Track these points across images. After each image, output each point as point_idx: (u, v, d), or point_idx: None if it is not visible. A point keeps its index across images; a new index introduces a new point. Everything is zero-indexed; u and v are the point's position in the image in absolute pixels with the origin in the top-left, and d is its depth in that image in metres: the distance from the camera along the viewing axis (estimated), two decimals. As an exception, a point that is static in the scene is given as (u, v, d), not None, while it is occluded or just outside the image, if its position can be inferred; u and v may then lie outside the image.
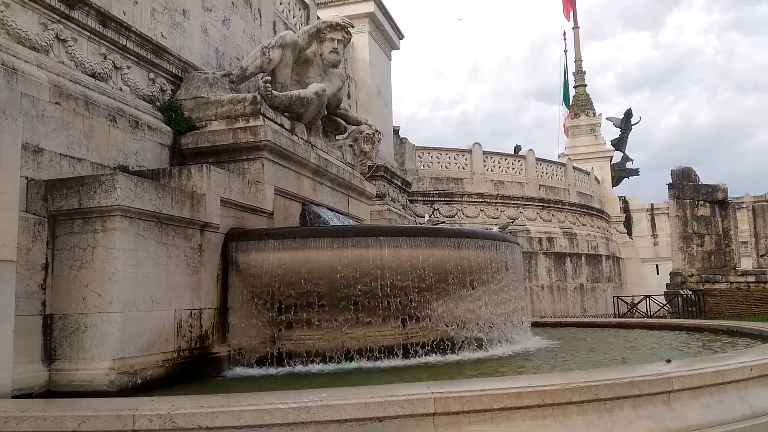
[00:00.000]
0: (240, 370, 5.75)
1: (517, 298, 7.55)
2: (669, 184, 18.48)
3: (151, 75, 7.06)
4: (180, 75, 7.44)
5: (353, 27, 8.97)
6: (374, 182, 14.25)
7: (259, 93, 7.03)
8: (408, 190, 17.08)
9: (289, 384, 5.09)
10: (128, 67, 6.67)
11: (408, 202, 16.90)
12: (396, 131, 18.44)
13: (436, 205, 19.33)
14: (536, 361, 5.89)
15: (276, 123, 7.26)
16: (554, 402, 3.09)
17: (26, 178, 4.70)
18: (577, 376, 3.37)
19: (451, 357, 6.36)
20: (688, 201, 18.26)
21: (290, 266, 5.84)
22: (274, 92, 7.24)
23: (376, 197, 14.33)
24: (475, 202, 20.18)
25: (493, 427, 2.99)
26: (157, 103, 7.03)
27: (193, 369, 5.28)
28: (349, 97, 14.36)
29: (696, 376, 3.53)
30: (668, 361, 3.82)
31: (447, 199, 19.65)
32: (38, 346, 4.52)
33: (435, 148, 20.50)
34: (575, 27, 35.72)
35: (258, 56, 7.83)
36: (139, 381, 4.59)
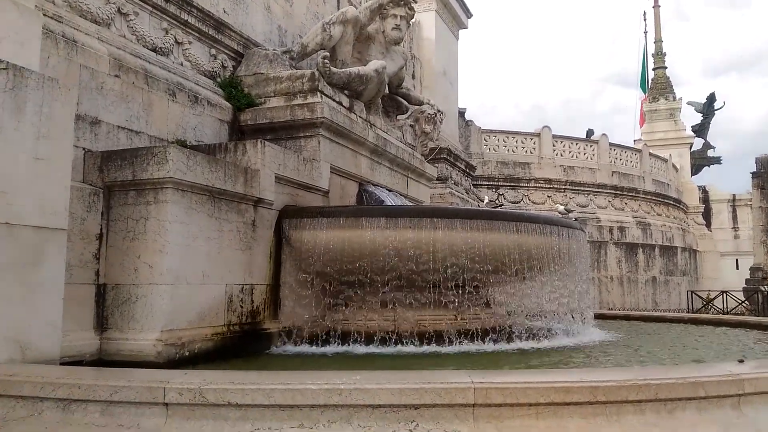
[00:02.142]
0: (290, 347, 5.71)
1: (579, 288, 7.20)
2: (753, 173, 17.33)
3: (213, 51, 7.07)
4: (241, 52, 7.43)
5: (416, 2, 8.72)
6: (436, 165, 14.01)
7: (317, 69, 6.93)
8: (472, 174, 16.73)
9: (335, 364, 5.01)
10: (189, 43, 6.70)
11: (472, 186, 16.56)
12: (461, 113, 18.07)
13: (501, 190, 18.89)
14: (595, 354, 5.57)
15: (334, 100, 7.15)
16: (607, 400, 2.84)
17: (83, 149, 4.77)
18: (635, 373, 3.10)
19: (505, 346, 6.12)
20: (773, 192, 17.09)
21: (342, 245, 5.75)
22: (333, 69, 7.12)
23: (438, 180, 14.10)
24: (542, 187, 19.59)
25: (538, 423, 2.78)
26: (218, 79, 7.05)
27: (243, 344, 5.28)
28: (413, 77, 14.13)
29: (772, 379, 3.18)
30: (741, 360, 3.47)
31: (513, 183, 19.16)
32: (91, 315, 4.60)
33: (501, 131, 19.98)
34: (656, 6, 33.98)
35: (319, 33, 7.72)
36: (187, 353, 4.61)
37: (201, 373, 3.11)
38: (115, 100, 5.28)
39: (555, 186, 19.93)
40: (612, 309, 17.66)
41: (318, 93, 6.81)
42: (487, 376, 2.86)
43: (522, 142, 20.00)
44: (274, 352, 5.54)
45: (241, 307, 5.34)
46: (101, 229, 4.72)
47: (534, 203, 19.53)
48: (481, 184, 18.38)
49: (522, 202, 18.75)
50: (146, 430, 2.83)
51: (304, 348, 5.74)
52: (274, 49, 7.54)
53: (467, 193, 15.49)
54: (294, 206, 6.08)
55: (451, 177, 14.55)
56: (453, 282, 6.13)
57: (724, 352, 5.60)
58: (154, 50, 6.13)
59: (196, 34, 6.78)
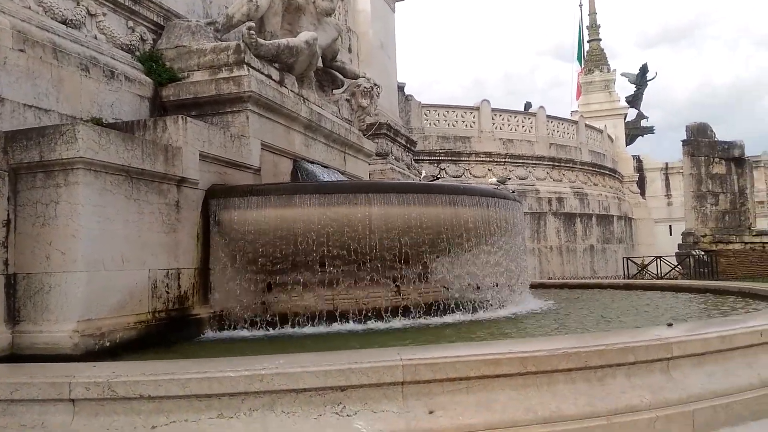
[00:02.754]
0: (222, 333, 5.51)
1: (517, 259, 7.24)
2: (683, 141, 17.88)
3: (130, 23, 6.66)
4: (162, 24, 7.03)
5: (348, -28, 8.46)
6: (376, 140, 13.84)
7: (243, 41, 6.62)
8: (413, 149, 16.66)
9: (268, 347, 4.84)
10: (104, 15, 6.27)
11: (413, 162, 16.50)
12: (401, 88, 17.92)
13: (442, 165, 18.91)
14: (532, 323, 5.60)
15: (262, 73, 6.87)
16: (538, 370, 2.79)
17: (-16, 129, 4.40)
18: (564, 341, 3.06)
19: (444, 319, 6.09)
20: (703, 158, 17.68)
21: (275, 224, 5.55)
22: (260, 40, 6.83)
23: (378, 156, 13.96)
24: (483, 161, 19.73)
25: (468, 398, 2.70)
26: (137, 53, 6.66)
27: (170, 331, 5.04)
28: (350, 51, 13.86)
29: (699, 341, 3.21)
30: (670, 325, 3.49)
31: (454, 158, 19.21)
32: (1, 308, 4.27)
33: (442, 106, 19.95)
34: (590, -21, 34.45)
35: (245, 3, 7.37)
36: (108, 344, 4.35)
37: (111, 365, 2.90)
38: (21, 76, 4.89)
39: (495, 159, 20.10)
40: (552, 278, 18.06)
41: (245, 66, 6.51)
42: (416, 352, 2.76)
43: (462, 116, 20.03)
44: (205, 339, 5.33)
45: (167, 292, 5.09)
46: (8, 215, 4.37)
47: (475, 177, 19.66)
48: (423, 159, 18.35)
49: (463, 176, 18.84)
50: (52, 429, 2.61)
51: (238, 333, 5.54)
52: (197, 21, 7.17)
53: (408, 169, 15.42)
54: (222, 185, 5.82)
55: (391, 152, 14.42)
56: (391, 258, 6.04)
57: (655, 317, 5.70)
58: (64, 23, 5.71)
59: (111, 5, 6.35)
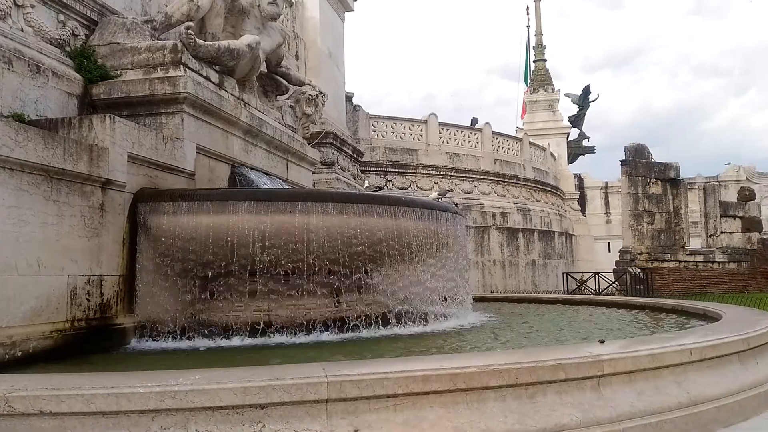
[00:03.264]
0: (147, 344, 5.23)
1: (458, 272, 7.20)
2: (622, 161, 18.41)
3: (61, 17, 6.32)
4: (96, 20, 6.70)
5: (294, -23, 8.33)
6: (322, 149, 13.70)
7: (180, 40, 6.38)
8: (360, 159, 16.56)
9: (193, 360, 4.61)
10: (32, 6, 5.92)
11: (360, 172, 16.39)
12: (349, 98, 17.83)
13: (389, 176, 18.89)
14: (468, 337, 5.55)
15: (201, 75, 6.63)
16: (468, 387, 2.70)
17: None
18: (496, 357, 2.99)
19: (382, 332, 5.98)
20: (640, 178, 18.23)
21: (207, 231, 5.32)
22: (199, 41, 6.60)
23: (323, 165, 13.80)
24: (429, 174, 19.80)
25: (396, 416, 2.58)
26: (68, 48, 6.32)
27: (90, 341, 4.75)
28: (297, 58, 13.69)
29: (630, 359, 3.19)
30: (602, 341, 3.48)
31: (401, 170, 19.21)
32: None
33: (390, 117, 19.97)
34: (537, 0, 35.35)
35: (185, 2, 7.10)
36: (19, 353, 4.05)
37: (13, 377, 2.64)
38: (-69, 66, 4.55)
39: (441, 173, 20.22)
40: (494, 292, 18.22)
41: (181, 66, 6.27)
42: (342, 368, 2.62)
43: (410, 128, 20.09)
44: (129, 350, 5.05)
45: (88, 300, 4.80)
46: None
47: (421, 189, 19.71)
48: (370, 170, 18.27)
49: (410, 188, 18.86)
50: (-63, 451, 2.35)
51: (164, 344, 5.28)
52: (133, 18, 6.88)
53: (354, 179, 15.31)
54: (152, 189, 5.56)
55: (337, 162, 14.28)
56: (329, 269, 5.90)
57: (588, 333, 5.74)
58: (-15, 12, 5.36)
59: (40, -3, 6.02)
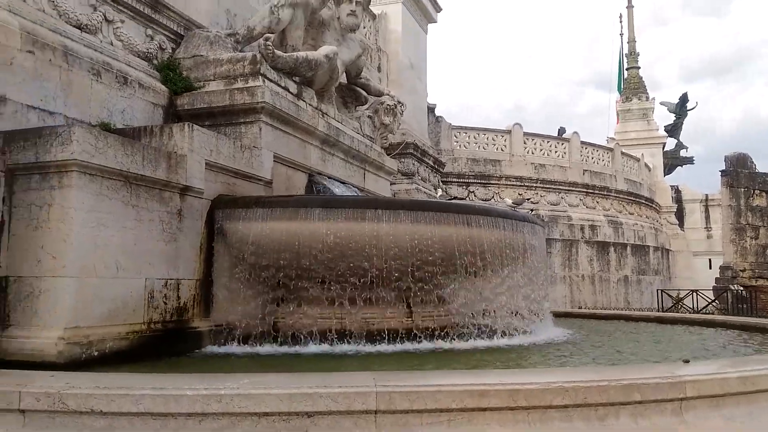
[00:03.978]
0: (221, 348, 5.31)
1: (537, 284, 6.90)
2: (722, 171, 17.21)
3: (149, 31, 6.63)
4: (182, 33, 7.00)
5: (373, -13, 8.36)
6: (403, 160, 13.67)
7: (259, 52, 6.52)
8: (441, 170, 16.41)
9: (264, 365, 4.62)
10: (122, 21, 6.25)
11: (441, 183, 16.24)
12: (431, 109, 17.75)
13: (471, 187, 18.59)
14: (543, 353, 5.26)
15: (279, 85, 6.75)
16: (529, 405, 2.50)
17: (-16, 129, 4.34)
18: (562, 374, 2.77)
19: (457, 344, 5.79)
20: (742, 190, 16.97)
21: (279, 238, 5.37)
22: (277, 52, 6.72)
23: (404, 175, 13.77)
24: (513, 185, 19.33)
25: (450, 432, 2.43)
26: (155, 61, 6.61)
27: (166, 344, 4.87)
28: (379, 70, 13.78)
29: (717, 381, 2.88)
30: (686, 361, 3.17)
31: (483, 181, 18.86)
32: (-10, 311, 4.17)
33: (472, 128, 19.69)
34: (629, 6, 33.95)
35: (266, 15, 7.30)
36: (95, 353, 4.19)
37: (68, 375, 2.71)
38: (27, 77, 4.85)
39: (526, 184, 19.69)
40: (582, 308, 17.49)
41: (260, 77, 6.40)
42: (393, 378, 2.50)
43: (493, 139, 19.72)
44: (203, 353, 5.14)
45: (165, 303, 4.93)
46: (3, 217, 4.29)
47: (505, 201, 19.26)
48: (452, 181, 18.08)
49: (493, 200, 18.48)
50: (0, 442, 2.43)
51: (238, 348, 5.34)
52: (217, 31, 7.11)
53: (435, 189, 15.18)
54: (228, 196, 5.68)
55: (417, 173, 14.21)
56: (402, 278, 5.79)
57: (678, 352, 5.31)
58: (78, 27, 5.68)
59: (130, 13, 6.34)
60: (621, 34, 35.49)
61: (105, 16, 6.02)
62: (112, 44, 6.07)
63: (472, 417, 2.46)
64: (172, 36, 6.90)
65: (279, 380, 2.48)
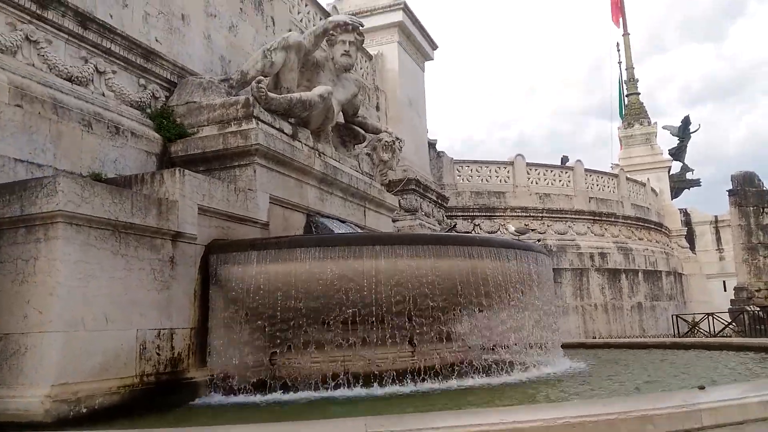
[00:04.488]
0: (219, 398, 5.14)
1: (545, 315, 6.70)
2: (729, 191, 17.01)
3: (142, 81, 6.65)
4: (176, 82, 7.02)
5: (363, 26, 8.43)
6: (405, 196, 13.60)
7: (252, 95, 6.51)
8: (445, 204, 16.32)
9: (261, 415, 4.43)
10: (114, 72, 6.27)
11: (445, 218, 16.13)
12: (432, 144, 17.76)
13: (477, 221, 18.44)
14: (555, 387, 5.05)
15: (273, 127, 6.72)
16: (533, 444, 2.32)
17: (-31, 184, 4.28)
18: (567, 409, 2.59)
19: (463, 382, 5.58)
20: (751, 209, 16.73)
21: (276, 280, 5.24)
22: (270, 94, 6.71)
23: (406, 212, 13.67)
24: (518, 216, 19.16)
25: (448, 478, 2.25)
26: (148, 110, 6.62)
27: (161, 396, 4.70)
28: (377, 108, 13.83)
29: (736, 407, 2.69)
30: (702, 388, 2.98)
31: (488, 213, 18.72)
32: (-24, 371, 4.03)
33: (474, 161, 19.65)
34: (625, 34, 34.30)
35: (259, 59, 7.32)
36: (84, 410, 4.04)
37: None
38: (15, 131, 4.83)
39: (531, 214, 19.52)
40: (596, 337, 17.10)
41: (253, 119, 6.38)
42: (385, 423, 2.34)
43: (496, 171, 19.67)
44: (198, 404, 4.96)
45: (158, 354, 4.78)
46: (-12, 273, 4.19)
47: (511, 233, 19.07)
48: (456, 215, 17.95)
49: (498, 232, 18.30)
50: None
51: (237, 398, 5.16)
52: (210, 78, 7.14)
53: (439, 225, 15.05)
54: (222, 240, 5.57)
55: (421, 208, 14.12)
56: (403, 316, 5.63)
57: (693, 379, 5.08)
58: (69, 79, 5.70)
59: (122, 63, 6.37)
60: (619, 63, 35.77)
61: (96, 68, 6.04)
62: (103, 95, 6.08)
63: (472, 461, 2.29)
64: (165, 84, 6.92)
65: (264, 430, 2.32)
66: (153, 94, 6.77)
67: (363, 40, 8.67)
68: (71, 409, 3.96)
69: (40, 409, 3.83)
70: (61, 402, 3.91)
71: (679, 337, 15.33)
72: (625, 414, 2.46)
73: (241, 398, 5.12)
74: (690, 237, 30.48)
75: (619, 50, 35.48)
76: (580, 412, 2.47)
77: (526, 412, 2.62)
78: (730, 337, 14.53)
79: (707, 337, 15.02)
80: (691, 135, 36.39)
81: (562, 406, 2.98)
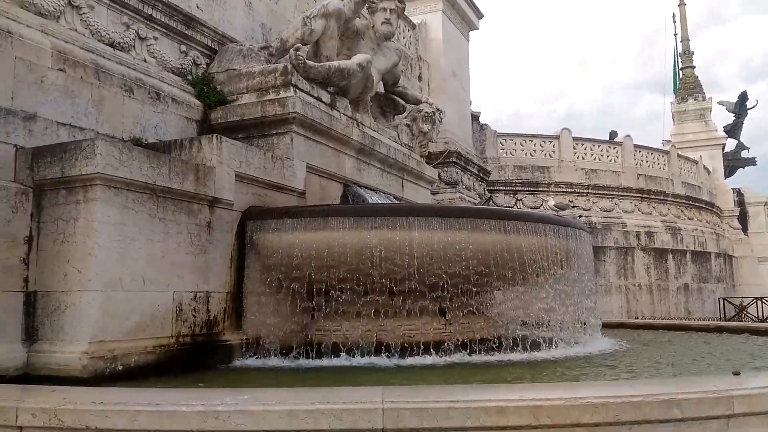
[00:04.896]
0: (253, 361, 5.24)
1: (583, 292, 6.57)
2: (787, 172, 16.26)
3: (183, 47, 6.70)
4: (216, 49, 7.05)
5: (407, -6, 8.25)
6: (446, 168, 13.48)
7: (290, 62, 6.49)
8: (487, 178, 16.11)
9: (293, 379, 4.50)
10: (155, 38, 6.33)
11: (486, 191, 15.93)
12: (476, 117, 17.48)
13: (519, 195, 18.16)
14: (588, 366, 4.96)
15: (311, 96, 6.70)
16: (554, 423, 2.28)
17: (14, 145, 4.40)
18: (592, 389, 2.53)
19: (495, 357, 5.55)
20: (810, 190, 15.96)
21: (310, 248, 5.27)
22: (309, 62, 6.68)
23: (447, 184, 13.56)
24: (563, 191, 18.76)
25: (465, 453, 2.23)
26: (189, 77, 6.67)
27: (196, 357, 4.82)
28: (420, 79, 13.65)
29: (771, 395, 2.57)
30: (737, 373, 2.87)
31: (531, 188, 18.39)
32: (18, 325, 4.20)
33: (518, 135, 19.27)
34: (681, 4, 32.77)
35: (299, 27, 7.27)
36: (120, 368, 4.17)
37: (66, 390, 2.64)
38: (58, 95, 4.92)
39: (577, 190, 19.08)
40: (639, 318, 16.77)
41: (291, 87, 6.37)
42: (403, 393, 2.32)
43: (540, 145, 19.25)
44: (233, 367, 5.06)
45: (194, 316, 4.88)
46: (31, 232, 4.33)
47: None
48: (498, 189, 17.70)
49: (542, 207, 18.00)
50: (0, 460, 2.37)
51: (270, 361, 5.25)
52: (250, 45, 7.13)
53: (480, 198, 14.88)
54: (259, 207, 5.62)
55: (461, 181, 13.97)
56: (436, 288, 5.60)
57: (732, 363, 4.91)
58: (111, 45, 5.77)
59: (163, 30, 6.42)
60: (675, 34, 34.29)
61: (138, 34, 6.10)
62: (145, 61, 6.14)
63: (490, 436, 2.26)
64: (206, 51, 6.96)
65: (281, 396, 2.34)
66: (194, 60, 6.82)
67: (404, 7, 8.52)
68: (107, 366, 4.09)
69: (78, 365, 3.97)
70: (98, 359, 4.04)
71: (726, 321, 14.90)
72: (652, 397, 2.38)
73: (273, 362, 5.21)
74: (743, 218, 29.37)
75: (675, 21, 34.01)
76: (604, 392, 2.41)
77: (549, 389, 2.57)
78: (780, 322, 14.04)
79: (754, 321, 14.55)
80: (748, 111, 34.81)
81: (587, 386, 2.92)
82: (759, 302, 15.96)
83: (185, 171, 4.81)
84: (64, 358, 4.02)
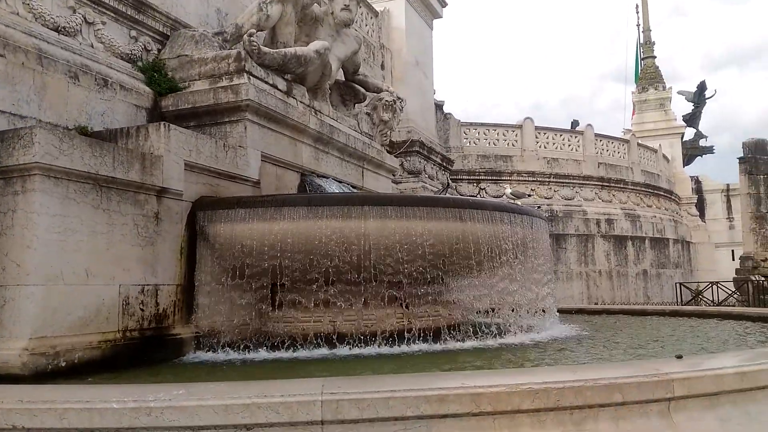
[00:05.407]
0: (205, 355, 5.13)
1: (539, 281, 6.63)
2: (740, 158, 16.68)
3: (133, 33, 6.49)
4: (169, 34, 6.85)
5: (364, -20, 8.15)
6: (408, 158, 13.45)
7: (244, 48, 6.35)
8: (450, 167, 16.15)
9: (243, 372, 4.43)
10: (103, 23, 6.12)
11: (449, 181, 15.97)
12: (439, 106, 17.48)
13: (482, 184, 18.28)
14: (542, 353, 5.00)
15: (266, 83, 6.57)
16: (495, 410, 2.26)
17: (-53, 134, 4.20)
18: (533, 375, 2.52)
19: (452, 345, 5.55)
20: (762, 177, 16.44)
21: (263, 239, 5.17)
22: (264, 48, 6.54)
23: (410, 174, 13.54)
24: (525, 180, 18.96)
25: (405, 443, 2.19)
26: (139, 63, 6.47)
27: (144, 352, 4.70)
28: (382, 67, 13.57)
29: (710, 378, 2.61)
30: (679, 357, 2.90)
31: (494, 177, 18.53)
32: (-44, 322, 4.02)
33: (482, 124, 19.37)
34: (643, -6, 33.34)
35: (255, 12, 7.11)
36: (63, 364, 4.03)
37: (13, 388, 2.53)
38: (-3, 81, 4.71)
39: (539, 179, 19.31)
40: (599, 304, 17.07)
41: (244, 74, 6.22)
42: (343, 384, 2.28)
43: (504, 134, 19.38)
44: (185, 361, 4.95)
45: (142, 310, 4.76)
46: (-32, 225, 4.14)
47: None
48: (462, 179, 17.78)
49: (504, 196, 18.13)
50: None
51: (224, 355, 5.15)
52: (203, 30, 6.95)
53: (443, 187, 14.91)
54: (211, 197, 5.50)
55: (424, 171, 13.97)
56: (391, 277, 5.57)
57: (679, 345, 5.01)
58: (56, 30, 5.55)
59: (112, 14, 6.20)
60: (638, 25, 34.86)
61: (85, 18, 5.89)
62: (92, 46, 5.94)
63: (431, 425, 2.23)
64: (158, 37, 6.76)
65: (217, 390, 2.27)
66: (145, 46, 6.62)
67: (364, -6, 8.42)
68: (49, 362, 3.95)
69: (18, 361, 3.82)
70: (39, 355, 3.90)
71: (682, 305, 15.26)
72: (593, 382, 2.39)
73: (227, 355, 5.11)
74: (700, 205, 30.17)
75: (638, 12, 34.57)
76: (546, 378, 2.40)
77: (490, 376, 2.56)
78: (733, 306, 14.44)
79: (710, 305, 14.93)
80: (707, 101, 35.69)
81: (528, 372, 2.93)
82: (714, 287, 16.39)
83: (130, 160, 4.66)
84: (4, 355, 3.86)
